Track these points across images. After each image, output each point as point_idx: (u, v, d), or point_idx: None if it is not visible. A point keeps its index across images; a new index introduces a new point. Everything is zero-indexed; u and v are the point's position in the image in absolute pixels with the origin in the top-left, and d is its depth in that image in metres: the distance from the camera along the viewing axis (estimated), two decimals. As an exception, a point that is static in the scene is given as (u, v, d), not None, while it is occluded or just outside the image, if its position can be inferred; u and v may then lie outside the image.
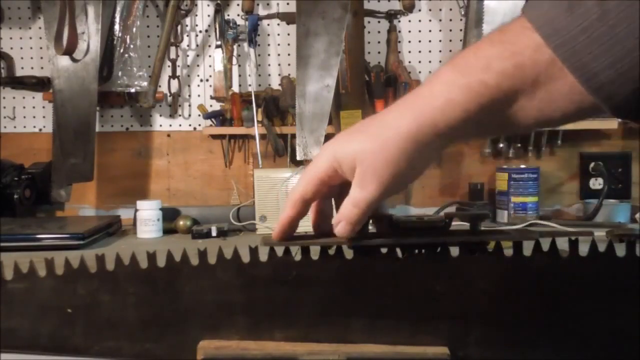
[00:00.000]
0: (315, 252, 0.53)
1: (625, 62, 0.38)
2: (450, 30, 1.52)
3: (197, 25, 1.54)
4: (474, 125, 0.45)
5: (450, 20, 1.52)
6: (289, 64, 1.52)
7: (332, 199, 0.55)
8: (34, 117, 1.57)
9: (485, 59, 0.43)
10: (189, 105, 1.56)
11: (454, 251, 0.53)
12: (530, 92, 0.42)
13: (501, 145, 1.48)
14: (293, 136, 1.41)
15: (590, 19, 0.38)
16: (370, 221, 0.55)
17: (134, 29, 1.46)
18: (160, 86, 1.51)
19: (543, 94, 0.42)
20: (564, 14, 0.40)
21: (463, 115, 0.44)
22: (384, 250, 0.53)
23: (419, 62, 1.53)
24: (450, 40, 1.52)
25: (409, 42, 1.53)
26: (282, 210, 0.53)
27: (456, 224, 0.55)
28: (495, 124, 0.46)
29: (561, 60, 0.40)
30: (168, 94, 1.53)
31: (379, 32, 1.52)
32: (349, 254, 0.53)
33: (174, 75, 1.52)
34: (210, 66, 1.54)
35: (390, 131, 0.46)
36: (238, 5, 1.51)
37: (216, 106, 1.53)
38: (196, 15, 1.54)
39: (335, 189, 0.52)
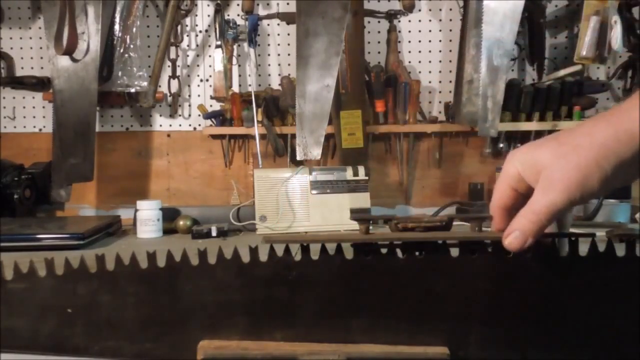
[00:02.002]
0: (315, 252, 0.53)
1: None
2: (450, 30, 1.52)
3: (197, 25, 1.54)
4: None
5: (450, 20, 1.52)
6: (289, 64, 1.52)
7: None
8: (34, 117, 1.57)
9: None
10: (189, 105, 1.56)
11: (454, 251, 0.53)
12: None
13: (501, 145, 1.48)
14: (293, 136, 1.41)
15: None
16: (371, 221, 0.56)
17: (134, 29, 1.46)
18: (160, 86, 1.51)
19: None
20: None
21: None
22: (384, 250, 0.53)
23: (419, 62, 1.53)
24: (450, 40, 1.52)
25: (409, 42, 1.53)
26: (493, 224, 0.51)
27: (456, 224, 0.55)
28: None
29: None
30: (168, 94, 1.53)
31: (379, 32, 1.52)
32: (349, 254, 0.53)
33: (174, 75, 1.52)
34: (210, 66, 1.54)
35: (583, 138, 0.44)
36: (238, 5, 1.51)
37: (216, 106, 1.53)
38: (196, 15, 1.54)
39: (521, 200, 0.49)
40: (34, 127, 1.57)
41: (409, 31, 1.53)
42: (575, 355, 0.52)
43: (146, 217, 1.26)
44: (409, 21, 1.52)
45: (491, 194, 1.47)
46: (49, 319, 0.54)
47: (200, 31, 1.54)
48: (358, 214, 0.53)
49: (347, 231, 1.25)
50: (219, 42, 1.49)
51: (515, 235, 0.46)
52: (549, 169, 0.45)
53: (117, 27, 1.45)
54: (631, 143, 0.43)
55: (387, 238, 0.53)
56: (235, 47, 1.49)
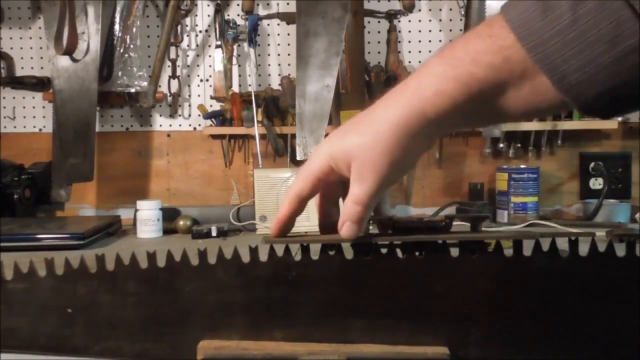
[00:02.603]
0: (315, 252, 0.53)
1: (593, 66, 0.40)
2: (450, 30, 1.52)
3: (197, 25, 1.54)
4: (462, 115, 0.46)
5: (450, 20, 1.52)
6: (289, 64, 1.52)
7: (340, 200, 0.55)
8: (34, 117, 1.57)
9: (474, 52, 0.44)
10: (189, 105, 1.56)
11: (454, 251, 0.53)
12: (518, 84, 0.44)
13: (501, 145, 1.48)
14: (293, 136, 1.41)
15: (562, 24, 0.40)
16: (371, 222, 0.55)
17: (134, 29, 1.46)
18: (160, 86, 1.51)
19: (528, 88, 0.44)
20: (538, 17, 0.41)
21: (452, 106, 0.45)
22: (384, 250, 0.53)
23: (419, 62, 1.53)
24: (450, 40, 1.52)
25: (409, 42, 1.53)
26: (279, 208, 0.54)
27: (456, 224, 0.55)
28: (484, 114, 0.47)
29: (534, 61, 0.42)
30: (168, 94, 1.53)
31: (379, 32, 1.52)
32: (349, 253, 0.53)
33: (174, 75, 1.52)
34: (210, 66, 1.54)
35: (380, 123, 0.47)
36: (238, 5, 1.51)
37: (216, 106, 1.53)
38: (196, 15, 1.54)
39: (335, 188, 0.53)
40: (34, 127, 1.57)
41: (409, 31, 1.53)
42: (576, 355, 0.52)
43: (146, 217, 1.26)
44: (409, 21, 1.52)
45: (491, 194, 1.47)
46: (49, 319, 0.54)
47: (200, 31, 1.54)
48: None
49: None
50: (219, 42, 1.49)
51: (347, 225, 0.49)
52: (357, 159, 0.48)
53: (117, 27, 1.45)
54: (422, 119, 0.46)
55: (387, 238, 0.53)
56: (235, 47, 1.49)
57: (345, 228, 0.49)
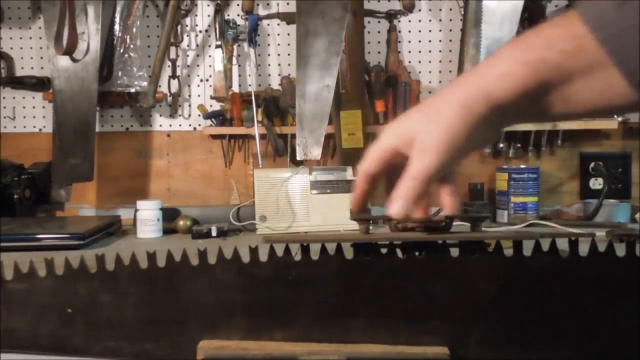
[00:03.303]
0: (315, 252, 0.53)
1: None
2: (450, 30, 1.52)
3: (197, 25, 1.54)
4: (528, 102, 0.45)
5: (450, 20, 1.52)
6: (289, 64, 1.52)
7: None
8: (34, 117, 1.57)
9: (547, 38, 0.44)
10: (189, 105, 1.56)
11: (454, 251, 0.53)
12: (588, 75, 0.43)
13: (501, 145, 1.48)
14: (293, 136, 1.41)
15: (637, 17, 0.40)
16: (371, 222, 0.55)
17: (134, 29, 1.46)
18: (160, 86, 1.50)
19: (598, 80, 0.43)
20: (612, 9, 0.41)
21: (519, 89, 0.44)
22: (384, 250, 0.53)
23: (419, 62, 1.53)
24: (450, 40, 1.52)
25: (409, 42, 1.53)
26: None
27: (456, 224, 0.55)
28: (549, 105, 0.46)
29: (606, 52, 0.42)
30: (168, 94, 1.53)
31: (379, 32, 1.52)
32: (349, 254, 0.53)
33: (174, 75, 1.52)
34: (210, 66, 1.54)
35: (444, 102, 0.47)
36: (238, 5, 1.51)
37: (216, 106, 1.52)
38: (196, 15, 1.54)
39: (401, 172, 0.52)
40: (34, 127, 1.57)
41: (409, 31, 1.53)
42: (576, 355, 0.52)
43: (146, 217, 1.26)
44: (409, 21, 1.52)
45: (491, 194, 1.47)
46: (49, 319, 0.54)
47: (200, 31, 1.54)
48: (358, 214, 0.53)
49: (347, 231, 1.25)
50: (219, 42, 1.49)
51: (397, 202, 0.49)
52: (419, 135, 0.48)
53: (117, 27, 1.45)
54: (486, 101, 0.46)
55: (387, 238, 0.53)
56: (235, 47, 1.49)
57: (394, 204, 0.49)
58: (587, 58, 0.43)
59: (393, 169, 0.52)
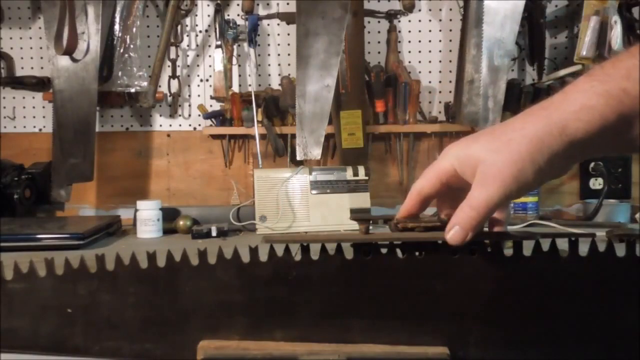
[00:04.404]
0: (315, 252, 0.53)
1: None
2: (450, 30, 1.52)
3: (197, 25, 1.54)
4: (609, 136, 0.43)
5: (450, 20, 1.52)
6: (289, 64, 1.52)
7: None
8: (34, 117, 1.57)
9: (627, 68, 0.42)
10: (189, 105, 1.56)
11: (454, 251, 0.53)
12: None
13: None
14: (293, 136, 1.41)
15: None
16: (371, 221, 0.55)
17: (134, 29, 1.46)
18: (160, 86, 1.51)
19: None
20: None
21: (599, 123, 0.42)
22: (384, 250, 0.53)
23: (419, 62, 1.53)
24: (450, 40, 1.52)
25: (409, 42, 1.53)
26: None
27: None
28: (631, 139, 0.44)
29: None
30: (168, 94, 1.53)
31: (379, 32, 1.52)
32: (349, 253, 0.53)
33: (174, 75, 1.52)
34: (210, 66, 1.54)
35: (515, 132, 0.45)
36: (238, 5, 1.51)
37: (216, 106, 1.53)
38: (196, 15, 1.54)
39: (457, 196, 0.51)
40: (34, 127, 1.57)
41: (409, 31, 1.53)
42: (575, 355, 0.52)
43: (146, 217, 1.26)
44: (409, 21, 1.52)
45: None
46: (49, 319, 0.54)
47: (200, 31, 1.54)
48: (358, 214, 0.53)
49: (347, 231, 1.25)
50: (219, 42, 1.49)
51: (456, 230, 0.47)
52: (484, 164, 0.46)
53: (117, 27, 1.45)
54: (562, 136, 0.43)
55: (387, 238, 0.53)
56: (235, 47, 1.49)
57: (453, 232, 0.47)
58: None
59: (447, 191, 0.51)
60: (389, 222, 0.55)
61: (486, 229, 0.53)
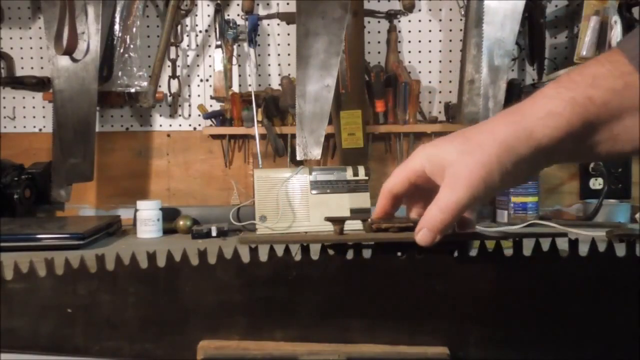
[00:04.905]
0: (315, 252, 0.53)
1: None
2: (450, 30, 1.52)
3: (197, 25, 1.54)
4: (573, 143, 0.44)
5: (450, 20, 1.52)
6: (289, 64, 1.52)
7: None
8: (34, 117, 1.57)
9: (592, 76, 0.43)
10: (189, 105, 1.56)
11: (454, 252, 0.53)
12: (636, 112, 0.42)
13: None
14: (293, 136, 1.41)
15: None
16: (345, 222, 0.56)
17: (134, 29, 1.46)
18: (160, 86, 1.51)
19: None
20: None
21: (565, 129, 0.43)
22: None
23: (419, 62, 1.53)
24: (450, 40, 1.52)
25: (409, 42, 1.53)
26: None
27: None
28: (596, 145, 0.45)
29: None
30: (168, 94, 1.53)
31: (379, 32, 1.52)
32: (349, 253, 0.53)
33: (174, 75, 1.52)
34: (210, 66, 1.54)
35: (484, 135, 0.46)
36: (238, 5, 1.51)
37: (216, 106, 1.53)
38: (196, 15, 1.54)
39: (424, 196, 0.51)
40: (34, 127, 1.57)
41: (409, 31, 1.53)
42: (576, 355, 0.52)
43: (146, 217, 1.26)
44: (409, 21, 1.52)
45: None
46: (49, 319, 0.54)
47: (200, 31, 1.54)
48: (332, 216, 0.53)
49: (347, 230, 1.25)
50: (219, 42, 1.49)
51: (424, 232, 0.47)
52: (453, 166, 0.46)
53: (117, 27, 1.45)
54: (529, 141, 0.44)
55: (360, 239, 0.53)
56: (235, 47, 1.49)
57: (421, 234, 0.48)
58: (636, 96, 0.42)
59: (416, 190, 0.51)
60: (364, 223, 0.55)
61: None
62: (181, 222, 1.30)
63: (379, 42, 1.52)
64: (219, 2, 1.49)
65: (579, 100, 0.43)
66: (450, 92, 1.51)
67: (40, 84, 1.50)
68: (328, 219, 0.55)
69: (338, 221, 0.55)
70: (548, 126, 0.44)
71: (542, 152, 0.44)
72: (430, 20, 1.52)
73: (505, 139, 0.44)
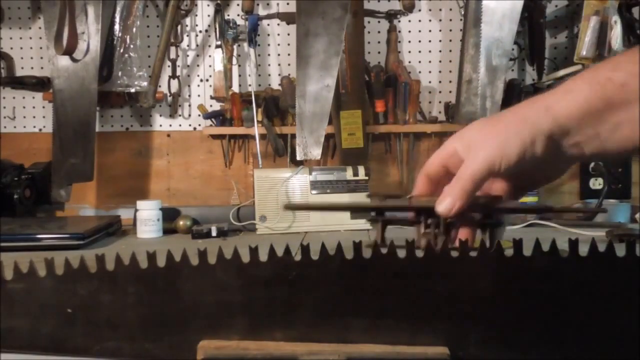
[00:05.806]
0: (315, 252, 0.53)
1: None
2: (450, 30, 1.52)
3: (197, 25, 1.54)
4: (592, 122, 0.45)
5: (450, 20, 1.52)
6: (289, 64, 1.52)
7: None
8: (34, 117, 1.57)
9: (615, 61, 0.45)
10: (189, 105, 1.56)
11: (454, 252, 0.53)
12: None
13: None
14: (293, 136, 1.41)
15: None
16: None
17: (134, 29, 1.46)
18: (160, 86, 1.51)
19: None
20: None
21: (583, 106, 0.45)
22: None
23: (419, 62, 1.53)
24: (450, 40, 1.52)
25: (409, 42, 1.53)
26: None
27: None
28: (617, 127, 0.45)
29: None
30: (168, 94, 1.53)
31: (379, 32, 1.52)
32: (349, 254, 0.53)
33: (174, 75, 1.52)
34: (210, 66, 1.54)
35: (507, 114, 0.49)
36: (238, 5, 1.51)
37: (216, 106, 1.53)
38: (196, 15, 1.54)
39: None
40: (34, 127, 1.57)
41: (409, 31, 1.53)
42: (576, 355, 0.51)
43: (146, 217, 1.26)
44: (409, 21, 1.52)
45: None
46: (49, 319, 0.54)
47: (200, 31, 1.54)
48: (291, 203, 0.54)
49: (347, 230, 1.25)
50: (219, 42, 1.49)
51: (445, 200, 0.49)
52: (476, 142, 0.49)
53: (117, 27, 1.45)
54: (547, 115, 0.46)
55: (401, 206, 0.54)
56: (235, 47, 1.49)
57: (442, 203, 0.49)
58: None
59: (451, 175, 0.52)
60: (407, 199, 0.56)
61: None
62: (181, 222, 1.30)
63: (379, 42, 1.52)
64: (219, 2, 1.49)
65: (599, 79, 0.45)
66: (450, 92, 1.51)
67: (40, 84, 1.50)
68: (287, 208, 0.56)
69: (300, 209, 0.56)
70: (566, 100, 0.45)
71: (560, 128, 0.46)
72: (430, 20, 1.52)
73: (524, 113, 0.47)
